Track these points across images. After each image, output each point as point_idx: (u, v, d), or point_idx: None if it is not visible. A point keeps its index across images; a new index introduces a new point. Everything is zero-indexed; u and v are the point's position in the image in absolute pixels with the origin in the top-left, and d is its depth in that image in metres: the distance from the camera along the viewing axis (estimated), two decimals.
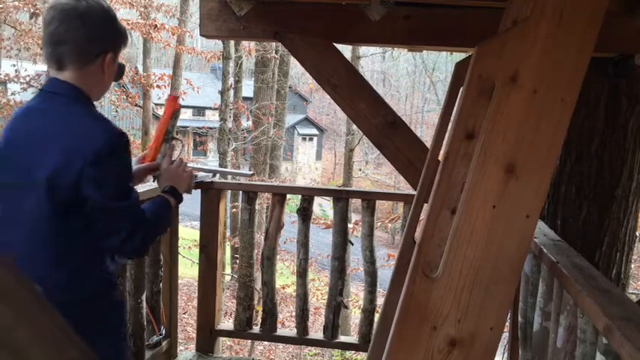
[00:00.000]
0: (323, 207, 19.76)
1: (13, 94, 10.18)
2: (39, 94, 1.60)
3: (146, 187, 2.44)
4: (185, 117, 25.22)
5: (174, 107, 1.87)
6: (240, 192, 3.41)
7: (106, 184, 1.47)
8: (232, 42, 10.45)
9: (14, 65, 10.48)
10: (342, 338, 3.41)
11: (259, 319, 3.46)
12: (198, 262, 3.35)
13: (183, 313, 10.72)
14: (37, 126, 1.53)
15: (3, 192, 1.54)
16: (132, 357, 2.69)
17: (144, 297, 2.84)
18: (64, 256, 1.51)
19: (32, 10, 9.32)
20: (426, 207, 1.71)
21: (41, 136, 1.50)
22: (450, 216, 1.48)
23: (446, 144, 1.57)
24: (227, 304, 10.27)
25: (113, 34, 1.59)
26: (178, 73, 13.04)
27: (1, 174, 1.54)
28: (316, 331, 3.45)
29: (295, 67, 14.45)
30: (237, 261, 3.45)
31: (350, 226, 3.68)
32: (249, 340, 8.78)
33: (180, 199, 1.78)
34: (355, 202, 3.91)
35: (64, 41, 1.51)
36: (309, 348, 10.59)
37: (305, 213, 3.22)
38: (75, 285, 1.52)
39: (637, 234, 3.18)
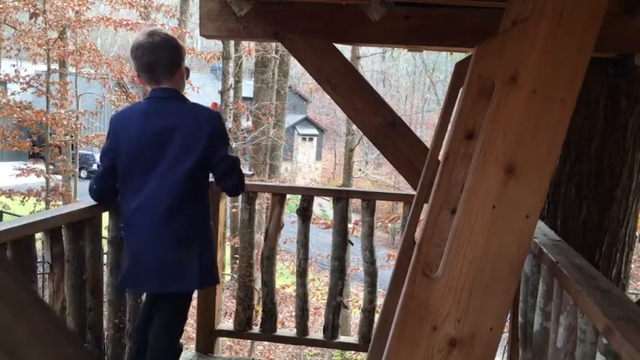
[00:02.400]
0: (323, 207, 19.76)
1: (13, 94, 10.18)
2: (149, 101, 2.30)
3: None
4: None
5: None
6: None
7: (223, 144, 2.29)
8: (232, 42, 10.45)
9: (14, 65, 10.48)
10: (342, 338, 3.41)
11: (259, 319, 3.46)
12: None
13: None
14: (164, 119, 2.24)
15: (150, 167, 2.23)
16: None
17: (144, 297, 2.84)
18: (197, 195, 2.30)
19: (32, 10, 9.33)
20: (426, 207, 1.71)
21: (169, 125, 2.22)
22: (450, 216, 1.48)
23: (446, 144, 1.57)
24: (227, 304, 10.27)
25: (181, 52, 2.35)
26: None
27: (146, 155, 2.23)
28: (316, 331, 3.45)
29: (295, 67, 14.44)
30: (237, 261, 3.45)
31: (350, 226, 3.68)
32: (249, 340, 8.77)
33: None
34: (355, 202, 3.91)
35: (156, 65, 2.25)
36: (309, 348, 10.59)
37: (305, 213, 3.22)
38: (204, 210, 2.36)
39: (637, 234, 3.18)
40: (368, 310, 3.21)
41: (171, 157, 2.22)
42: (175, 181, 2.22)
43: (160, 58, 2.25)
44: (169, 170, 2.22)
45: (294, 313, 3.60)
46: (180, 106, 2.29)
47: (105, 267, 2.68)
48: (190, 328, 9.88)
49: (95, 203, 2.52)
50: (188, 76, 2.44)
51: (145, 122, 2.26)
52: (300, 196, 3.30)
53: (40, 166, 10.94)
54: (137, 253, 2.29)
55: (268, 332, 3.29)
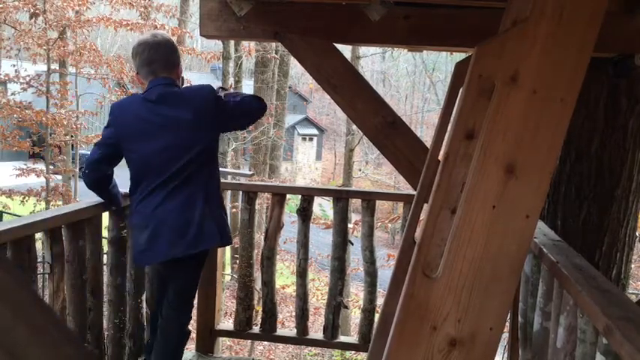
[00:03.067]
0: (323, 207, 19.76)
1: (13, 94, 10.18)
2: (149, 90, 2.41)
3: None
4: None
5: None
6: (240, 192, 3.40)
7: (223, 104, 2.47)
8: (232, 42, 10.44)
9: (14, 65, 10.47)
10: (342, 338, 3.41)
11: (259, 319, 3.46)
12: None
13: None
14: (166, 108, 2.38)
15: (160, 154, 2.38)
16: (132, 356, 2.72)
17: (144, 297, 2.85)
18: (209, 163, 2.47)
19: (32, 10, 9.32)
20: (426, 207, 1.71)
21: (172, 114, 2.37)
22: (450, 216, 1.48)
23: (446, 144, 1.57)
24: (227, 304, 10.27)
25: (178, 54, 2.53)
26: None
27: (152, 141, 2.37)
28: (316, 331, 3.45)
29: (295, 67, 14.44)
30: (237, 261, 3.45)
31: (350, 226, 3.68)
32: (249, 340, 8.77)
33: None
34: (355, 202, 3.91)
35: (155, 61, 2.43)
36: (309, 348, 10.59)
37: (305, 213, 3.22)
38: (216, 173, 2.54)
39: (637, 234, 3.18)
40: (368, 310, 3.21)
41: (181, 144, 2.37)
42: (188, 162, 2.37)
43: (161, 54, 2.43)
44: (181, 155, 2.37)
45: (294, 313, 3.60)
46: (178, 93, 2.44)
47: (105, 267, 2.68)
48: (190, 328, 9.86)
49: (96, 203, 2.52)
50: (183, 83, 2.59)
51: (148, 109, 2.39)
52: (300, 196, 3.30)
53: (40, 166, 10.94)
54: (158, 224, 2.38)
55: (268, 332, 3.29)
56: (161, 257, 2.45)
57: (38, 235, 2.29)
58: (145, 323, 2.87)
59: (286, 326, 9.30)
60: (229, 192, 4.41)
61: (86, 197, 2.59)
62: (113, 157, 2.45)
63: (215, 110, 2.42)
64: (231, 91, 2.69)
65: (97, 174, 2.48)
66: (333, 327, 3.24)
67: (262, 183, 7.50)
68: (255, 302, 4.91)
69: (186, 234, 2.39)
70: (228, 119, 2.51)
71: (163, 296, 2.56)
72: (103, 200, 2.56)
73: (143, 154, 2.40)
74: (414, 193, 2.43)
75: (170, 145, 2.36)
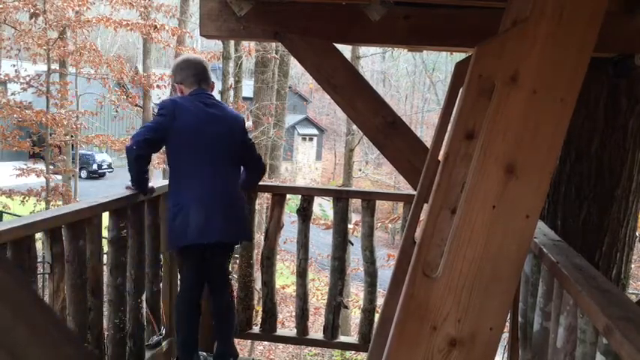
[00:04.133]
0: (323, 207, 19.75)
1: (13, 94, 10.19)
2: (199, 95, 2.82)
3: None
4: None
5: None
6: None
7: (249, 138, 3.08)
8: (232, 42, 10.44)
9: (14, 65, 10.48)
10: (342, 338, 3.41)
11: (259, 319, 3.46)
12: None
13: None
14: (217, 112, 2.83)
15: (207, 149, 2.78)
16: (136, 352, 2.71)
17: (144, 297, 2.85)
18: (237, 168, 2.96)
19: (32, 10, 9.33)
20: (426, 207, 1.71)
21: (221, 111, 2.87)
22: (450, 216, 1.48)
23: (446, 144, 1.57)
24: None
25: (209, 71, 2.99)
26: None
27: (205, 137, 2.76)
28: (316, 331, 3.45)
29: (295, 67, 14.42)
30: (237, 261, 3.45)
31: (350, 226, 3.68)
32: (249, 340, 8.77)
33: None
34: (355, 202, 3.91)
35: (200, 73, 2.85)
36: (309, 348, 10.59)
37: (305, 213, 3.22)
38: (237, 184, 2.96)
39: (637, 234, 3.18)
40: (368, 310, 3.21)
41: (225, 143, 2.80)
42: (229, 163, 2.84)
43: (203, 68, 2.88)
44: (224, 148, 2.81)
45: (294, 313, 3.60)
46: (225, 105, 3.00)
47: (105, 267, 2.68)
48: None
49: (96, 203, 2.52)
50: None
51: (199, 107, 2.77)
52: (300, 196, 3.30)
53: (40, 166, 10.94)
54: (208, 211, 2.74)
55: (268, 332, 3.29)
56: (214, 238, 2.76)
57: (38, 235, 2.29)
58: (145, 323, 2.87)
59: (286, 326, 9.30)
60: None
61: (86, 197, 2.59)
62: (159, 142, 2.75)
63: (243, 135, 2.94)
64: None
65: (144, 151, 2.71)
66: (333, 327, 3.24)
67: (262, 183, 7.48)
68: (255, 302, 4.91)
69: (232, 223, 2.83)
70: (245, 151, 2.94)
71: (199, 283, 2.93)
72: (131, 184, 2.74)
73: (195, 147, 2.74)
74: (414, 193, 2.43)
75: (215, 136, 2.75)
